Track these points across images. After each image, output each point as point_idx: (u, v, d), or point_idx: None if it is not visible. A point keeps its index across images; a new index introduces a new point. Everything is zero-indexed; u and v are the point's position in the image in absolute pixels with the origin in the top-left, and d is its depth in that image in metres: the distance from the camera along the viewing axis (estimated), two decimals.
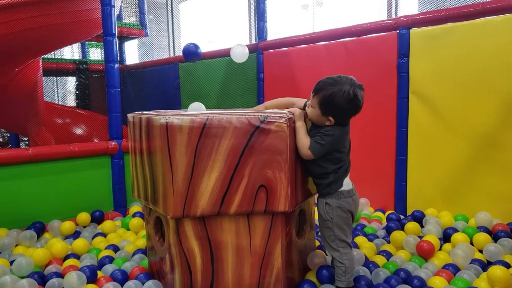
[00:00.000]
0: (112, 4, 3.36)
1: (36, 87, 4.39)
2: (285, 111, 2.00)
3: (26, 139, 6.36)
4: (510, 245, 2.39)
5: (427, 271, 2.19)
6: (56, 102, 7.09)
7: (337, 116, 1.93)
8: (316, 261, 2.21)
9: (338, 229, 1.97)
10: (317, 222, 3.04)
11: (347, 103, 1.89)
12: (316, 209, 2.27)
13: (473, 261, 2.30)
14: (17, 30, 3.37)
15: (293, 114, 1.96)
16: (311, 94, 1.98)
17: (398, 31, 3.16)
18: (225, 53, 4.71)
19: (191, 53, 3.19)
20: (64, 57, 6.46)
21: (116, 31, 3.42)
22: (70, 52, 7.06)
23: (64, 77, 7.09)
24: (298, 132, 1.95)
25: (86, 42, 6.87)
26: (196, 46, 3.54)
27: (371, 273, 2.21)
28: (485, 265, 2.28)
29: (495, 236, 2.56)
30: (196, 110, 2.25)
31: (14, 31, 3.35)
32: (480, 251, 2.43)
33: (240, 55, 2.60)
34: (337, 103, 1.89)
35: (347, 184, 2.00)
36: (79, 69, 6.26)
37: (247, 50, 2.57)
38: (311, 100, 1.97)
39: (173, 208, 1.88)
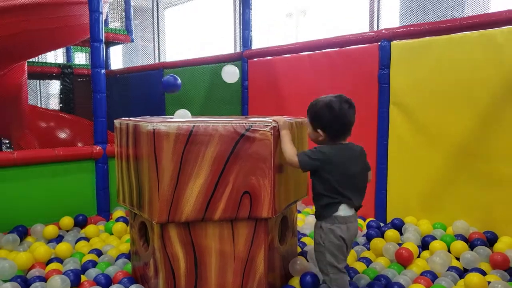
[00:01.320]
0: (100, 11, 3.38)
1: (20, 90, 4.37)
2: (269, 119, 2.05)
3: (7, 141, 6.29)
4: (486, 253, 2.47)
5: (406, 277, 2.25)
6: (40, 106, 7.03)
7: (325, 128, 1.98)
8: (298, 268, 2.26)
9: (329, 254, 1.92)
10: (299, 229, 3.10)
11: (328, 112, 1.95)
12: (297, 215, 2.31)
13: (450, 268, 2.37)
14: (3, 34, 3.37)
15: (277, 122, 2.01)
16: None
17: (379, 43, 3.26)
18: (210, 61, 4.77)
19: (170, 84, 3.23)
20: (48, 61, 6.41)
21: (103, 37, 3.44)
22: (54, 56, 7.00)
23: (48, 81, 7.03)
24: (283, 139, 1.99)
25: (72, 47, 6.84)
26: (175, 78, 3.59)
27: (351, 279, 2.27)
28: (461, 273, 2.35)
29: (471, 244, 2.64)
30: (182, 117, 2.29)
31: (0, 36, 3.35)
32: (457, 259, 2.50)
33: (231, 74, 2.67)
34: (323, 114, 1.96)
35: (344, 210, 1.93)
36: (64, 73, 6.23)
37: (237, 71, 2.63)
38: (307, 120, 2.07)
39: (159, 214, 1.91)
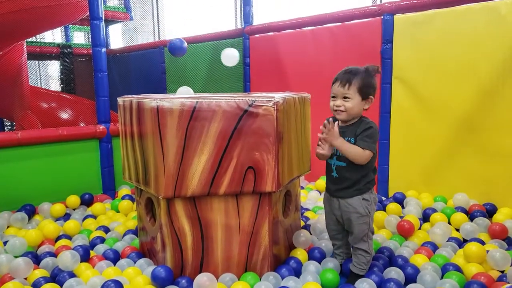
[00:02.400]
0: None
1: (20, 70, 4.36)
2: (273, 94, 2.06)
3: (9, 123, 6.30)
4: (485, 224, 2.53)
5: (408, 248, 2.31)
6: (40, 86, 7.01)
7: (374, 94, 1.99)
8: (302, 240, 2.31)
9: (371, 222, 2.04)
10: (303, 204, 3.15)
11: (374, 77, 1.99)
12: (298, 191, 2.33)
13: (450, 239, 2.43)
14: (1, 12, 3.34)
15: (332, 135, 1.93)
16: (340, 87, 1.95)
17: (382, 17, 3.23)
18: (211, 38, 4.73)
19: (176, 48, 3.21)
20: (46, 41, 6.36)
21: (102, 14, 3.42)
22: (52, 36, 6.94)
23: (48, 61, 7.00)
24: (343, 146, 1.92)
25: (70, 26, 6.78)
26: (181, 41, 3.56)
27: None
28: (461, 243, 2.41)
29: (471, 215, 2.70)
30: (185, 94, 2.30)
31: None
32: (457, 230, 2.55)
33: (231, 57, 2.66)
34: (372, 81, 1.97)
35: None
36: (63, 53, 6.20)
37: (237, 54, 2.62)
38: (348, 93, 1.94)
39: (165, 189, 1.94)
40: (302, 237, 2.31)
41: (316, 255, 2.25)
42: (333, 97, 2.00)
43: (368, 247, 2.01)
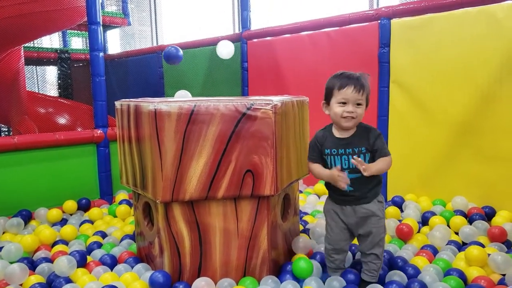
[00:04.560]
0: None
1: (18, 76, 4.35)
2: (271, 97, 2.06)
3: (5, 129, 6.28)
4: (484, 227, 2.52)
5: (408, 251, 2.30)
6: (37, 92, 6.99)
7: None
8: (301, 245, 2.29)
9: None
10: (302, 208, 3.13)
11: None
12: (299, 195, 2.32)
13: (450, 242, 2.42)
14: None
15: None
16: (355, 93, 1.85)
17: (379, 21, 3.24)
18: (209, 43, 4.74)
19: (172, 56, 3.20)
20: (44, 46, 6.36)
21: (100, 19, 3.41)
22: (49, 41, 6.94)
23: (45, 67, 6.99)
24: (378, 168, 1.85)
25: (68, 31, 6.78)
26: (176, 49, 3.56)
27: (354, 255, 2.30)
28: (460, 246, 2.40)
29: (470, 219, 2.69)
30: (183, 97, 2.29)
31: None
32: (456, 233, 2.55)
33: (226, 51, 2.65)
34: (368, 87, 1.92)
35: None
36: (61, 58, 6.19)
37: (232, 46, 2.61)
38: (360, 99, 1.86)
39: (162, 193, 1.93)
40: (301, 242, 2.29)
41: (317, 260, 2.22)
42: (343, 102, 1.87)
43: (382, 253, 1.95)
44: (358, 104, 1.87)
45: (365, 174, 1.81)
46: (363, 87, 1.86)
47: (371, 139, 1.89)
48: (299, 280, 2.04)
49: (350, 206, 1.95)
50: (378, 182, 1.96)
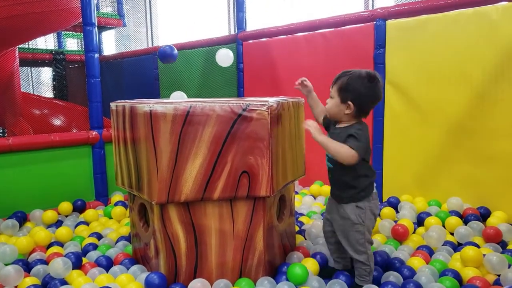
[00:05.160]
0: None
1: (12, 77, 4.33)
2: (267, 98, 2.06)
3: (0, 130, 6.25)
4: (479, 227, 2.53)
5: (404, 252, 2.30)
6: (32, 93, 6.96)
7: (356, 101, 1.87)
8: (296, 260, 2.26)
9: (368, 232, 1.95)
10: (297, 209, 3.13)
11: (366, 83, 1.86)
12: (295, 196, 2.32)
13: (445, 242, 2.43)
14: None
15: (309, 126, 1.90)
16: (330, 87, 1.94)
17: (374, 22, 3.25)
18: (204, 44, 4.74)
19: (166, 55, 3.19)
20: (39, 47, 6.33)
21: (95, 20, 3.41)
22: (44, 42, 6.91)
23: (40, 68, 6.96)
24: (327, 143, 1.86)
25: (62, 32, 6.75)
26: (171, 48, 3.56)
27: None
28: (455, 246, 2.41)
29: (465, 219, 2.70)
30: (178, 98, 2.29)
31: None
32: (452, 234, 2.55)
33: (225, 57, 2.66)
34: (355, 85, 1.86)
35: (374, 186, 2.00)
36: (56, 59, 6.17)
37: (231, 54, 2.62)
38: (331, 92, 1.93)
39: (158, 194, 1.92)
40: (296, 258, 2.28)
41: (317, 260, 2.23)
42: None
43: (367, 259, 1.95)
44: (331, 97, 1.94)
45: (306, 127, 1.90)
46: (335, 81, 1.92)
47: (347, 136, 1.89)
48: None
49: (335, 202, 2.03)
50: (356, 186, 1.93)
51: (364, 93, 1.88)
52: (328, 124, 2.06)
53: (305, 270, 2.01)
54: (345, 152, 1.83)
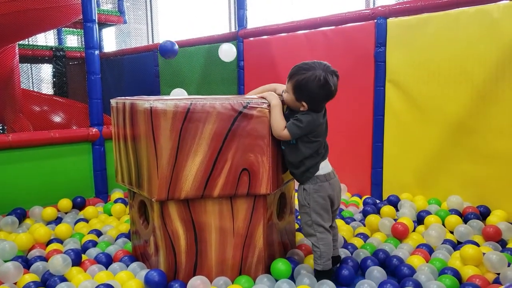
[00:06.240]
0: None
1: (12, 73, 4.32)
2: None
3: (0, 126, 6.24)
4: (478, 226, 2.53)
5: (404, 250, 2.30)
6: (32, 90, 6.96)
7: (310, 102, 1.93)
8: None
9: (315, 214, 1.99)
10: (297, 207, 3.13)
11: (319, 88, 1.88)
12: (295, 193, 2.33)
13: (445, 241, 2.43)
14: None
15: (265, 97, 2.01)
16: (286, 80, 1.99)
17: (375, 20, 3.24)
18: (205, 41, 4.73)
19: (167, 50, 3.18)
20: (39, 44, 6.32)
21: (96, 17, 3.40)
22: (44, 39, 6.90)
23: (40, 65, 6.95)
24: (273, 111, 1.96)
25: (63, 29, 6.74)
26: (172, 43, 3.55)
27: (351, 254, 2.30)
28: (455, 245, 2.41)
29: (465, 218, 2.70)
30: (179, 96, 2.28)
31: None
32: (451, 232, 2.55)
33: (228, 52, 2.65)
34: (310, 89, 1.89)
35: (323, 168, 2.01)
36: (56, 56, 6.16)
37: (234, 49, 2.61)
38: (286, 85, 1.98)
39: (158, 191, 1.92)
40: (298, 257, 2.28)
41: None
42: None
43: (316, 241, 1.98)
44: (286, 91, 1.99)
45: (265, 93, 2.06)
46: (289, 76, 1.97)
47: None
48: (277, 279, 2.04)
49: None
50: (300, 167, 2.01)
51: (317, 94, 1.92)
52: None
53: (288, 265, 2.04)
54: (277, 126, 1.95)
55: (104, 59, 6.21)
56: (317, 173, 2.00)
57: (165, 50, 3.21)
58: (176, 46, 3.12)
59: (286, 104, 2.04)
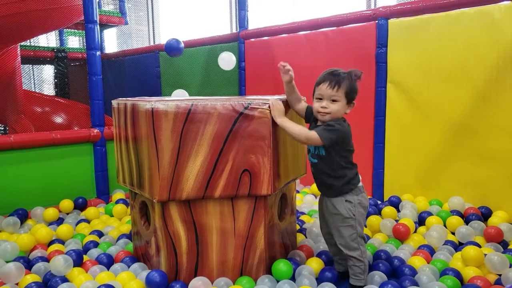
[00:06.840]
0: None
1: (14, 74, 4.33)
2: (268, 97, 2.05)
3: (1, 127, 6.25)
4: (480, 227, 2.53)
5: (405, 251, 2.30)
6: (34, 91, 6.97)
7: (354, 100, 1.93)
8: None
9: (359, 226, 1.93)
10: (298, 208, 3.13)
11: (356, 84, 1.91)
12: (297, 195, 2.34)
13: (446, 242, 2.42)
14: None
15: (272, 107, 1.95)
16: (329, 89, 1.87)
17: (376, 21, 3.25)
18: (206, 42, 4.73)
19: (173, 48, 3.18)
20: (41, 45, 6.34)
21: (97, 18, 3.40)
22: (46, 40, 6.92)
23: (42, 66, 6.97)
24: (285, 124, 1.90)
25: (64, 30, 6.76)
26: (177, 41, 3.56)
27: None
28: (456, 246, 2.41)
29: (466, 219, 2.69)
30: (180, 97, 2.29)
31: None
32: (453, 233, 2.55)
33: (228, 61, 2.66)
34: (355, 86, 1.90)
35: (360, 179, 1.99)
36: (57, 57, 6.17)
37: (234, 58, 2.62)
38: (335, 95, 1.87)
39: (159, 192, 1.92)
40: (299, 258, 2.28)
41: (323, 259, 2.24)
42: (319, 98, 1.91)
43: (361, 255, 1.93)
44: (334, 100, 1.89)
45: (270, 105, 1.94)
46: (338, 84, 1.87)
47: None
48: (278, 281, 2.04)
49: (323, 198, 2.05)
50: (340, 177, 1.93)
51: (357, 90, 1.94)
52: (309, 118, 2.06)
53: (289, 266, 2.03)
54: (302, 132, 1.87)
55: (105, 60, 6.22)
56: (359, 184, 1.97)
57: (171, 48, 3.21)
58: (182, 44, 3.12)
59: (332, 117, 1.91)
